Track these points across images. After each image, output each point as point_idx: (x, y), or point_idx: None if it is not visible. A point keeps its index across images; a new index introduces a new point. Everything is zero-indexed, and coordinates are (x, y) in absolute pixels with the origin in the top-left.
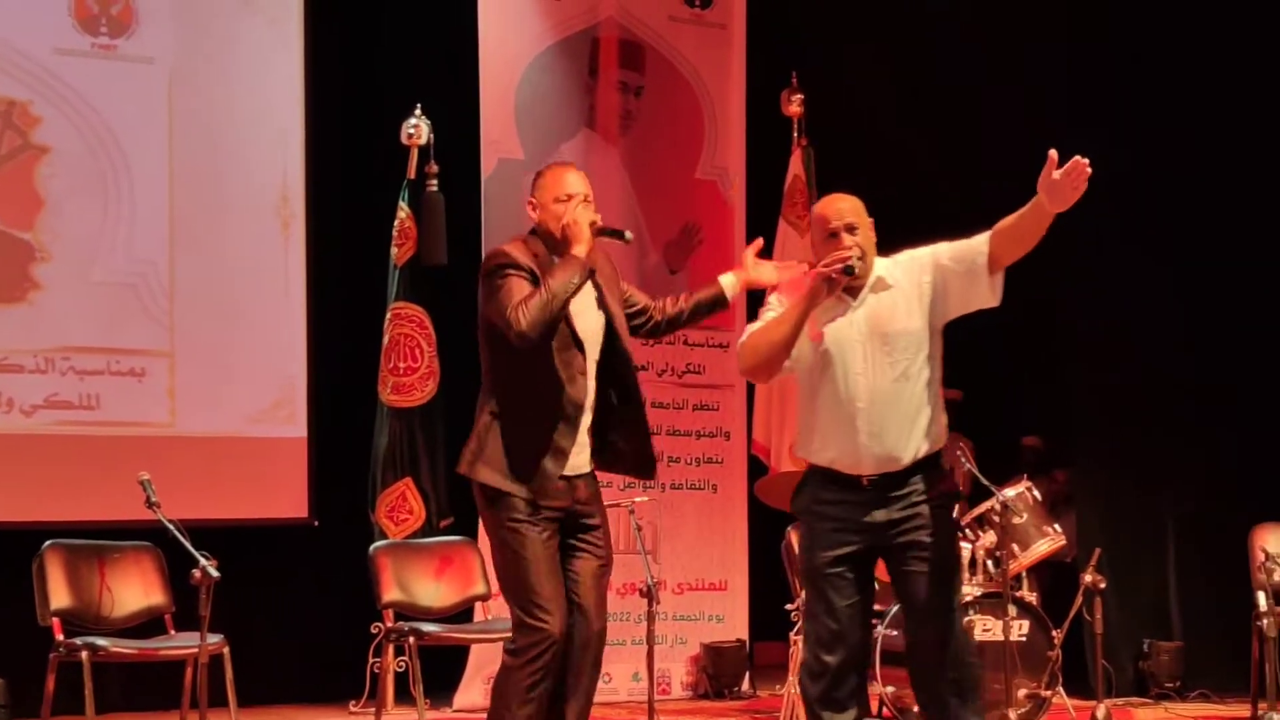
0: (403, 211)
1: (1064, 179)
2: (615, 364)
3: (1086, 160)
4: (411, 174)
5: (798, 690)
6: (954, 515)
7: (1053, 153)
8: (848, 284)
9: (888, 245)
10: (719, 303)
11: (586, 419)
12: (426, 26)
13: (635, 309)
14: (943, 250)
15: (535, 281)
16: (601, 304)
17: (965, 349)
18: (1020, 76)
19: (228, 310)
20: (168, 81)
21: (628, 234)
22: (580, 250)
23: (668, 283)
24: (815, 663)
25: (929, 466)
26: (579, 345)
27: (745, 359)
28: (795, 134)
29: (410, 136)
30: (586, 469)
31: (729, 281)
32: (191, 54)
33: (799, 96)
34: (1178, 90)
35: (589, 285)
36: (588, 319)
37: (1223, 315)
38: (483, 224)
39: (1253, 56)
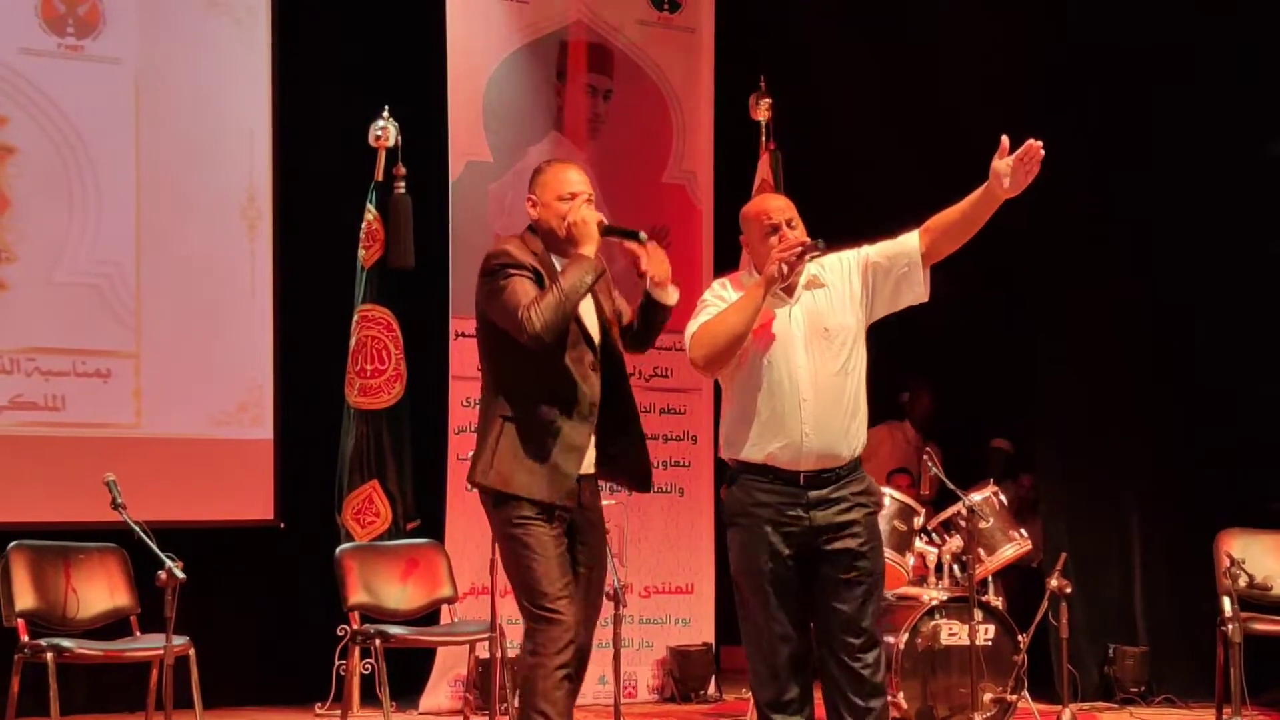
0: (370, 214)
1: (1017, 161)
2: (611, 368)
3: (1040, 143)
4: (379, 176)
5: None
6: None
7: (1005, 138)
8: (783, 284)
9: (852, 244)
10: (651, 305)
11: (595, 417)
12: (394, 28)
13: (621, 319)
14: (870, 251)
15: (539, 280)
16: (598, 307)
17: (934, 351)
18: (991, 78)
19: (194, 312)
20: (134, 82)
21: (642, 235)
22: (589, 250)
23: (636, 287)
24: (765, 668)
25: (858, 468)
26: (589, 342)
27: (699, 349)
28: (763, 138)
29: (378, 138)
30: (592, 470)
31: (654, 289)
32: (158, 55)
33: (767, 100)
34: (1151, 91)
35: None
36: (591, 318)
37: (1190, 321)
38: (450, 227)
39: (1224, 49)
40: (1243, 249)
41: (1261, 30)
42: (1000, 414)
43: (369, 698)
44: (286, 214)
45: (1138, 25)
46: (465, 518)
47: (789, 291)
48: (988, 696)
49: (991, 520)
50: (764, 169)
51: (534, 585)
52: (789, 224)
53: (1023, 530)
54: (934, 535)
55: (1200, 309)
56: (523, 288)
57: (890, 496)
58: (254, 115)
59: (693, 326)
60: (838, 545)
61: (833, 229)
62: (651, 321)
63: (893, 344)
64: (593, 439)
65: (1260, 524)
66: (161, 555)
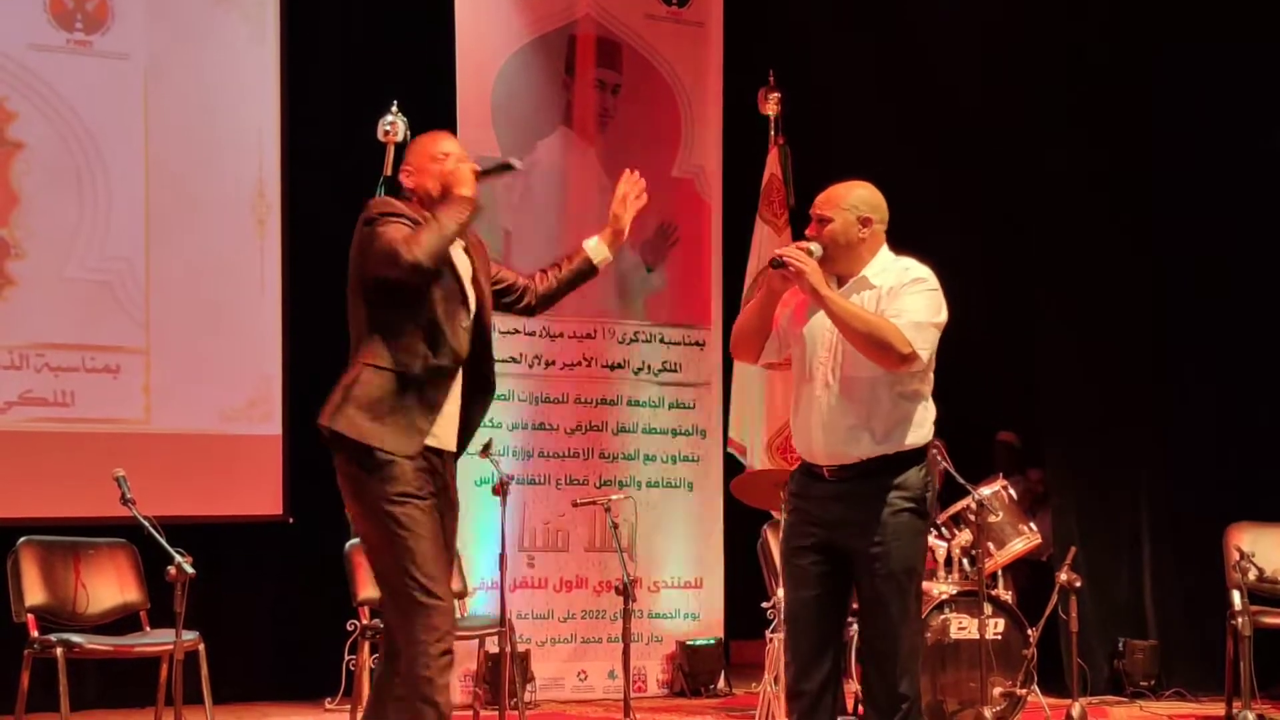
0: None
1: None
2: (480, 337)
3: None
4: (388, 171)
5: (774, 689)
6: (920, 526)
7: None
8: (837, 274)
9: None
10: (586, 271)
11: (458, 382)
12: (403, 23)
13: (504, 285)
14: (901, 301)
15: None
16: (474, 279)
17: (943, 346)
18: (1000, 74)
19: (203, 307)
20: (143, 78)
21: (515, 162)
22: (466, 191)
23: (645, 280)
24: (787, 651)
25: (895, 469)
26: (465, 301)
27: (732, 337)
28: (772, 132)
29: (387, 133)
30: (451, 446)
31: (592, 245)
32: (167, 50)
33: (776, 95)
34: (1157, 90)
35: (466, 258)
36: (468, 283)
37: (1200, 314)
38: None
39: (1228, 55)
40: (1251, 238)
41: (1263, 26)
42: (1007, 408)
43: None
44: (295, 209)
45: (1140, 19)
46: (475, 513)
47: (838, 286)
48: (997, 690)
49: (1001, 514)
50: (773, 163)
51: (412, 567)
52: (820, 220)
53: (1032, 524)
54: (943, 529)
55: (1209, 301)
56: (400, 230)
57: None
58: (263, 111)
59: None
60: (862, 544)
61: None
62: (574, 286)
63: None
64: (452, 407)
65: (1270, 517)
66: (171, 550)
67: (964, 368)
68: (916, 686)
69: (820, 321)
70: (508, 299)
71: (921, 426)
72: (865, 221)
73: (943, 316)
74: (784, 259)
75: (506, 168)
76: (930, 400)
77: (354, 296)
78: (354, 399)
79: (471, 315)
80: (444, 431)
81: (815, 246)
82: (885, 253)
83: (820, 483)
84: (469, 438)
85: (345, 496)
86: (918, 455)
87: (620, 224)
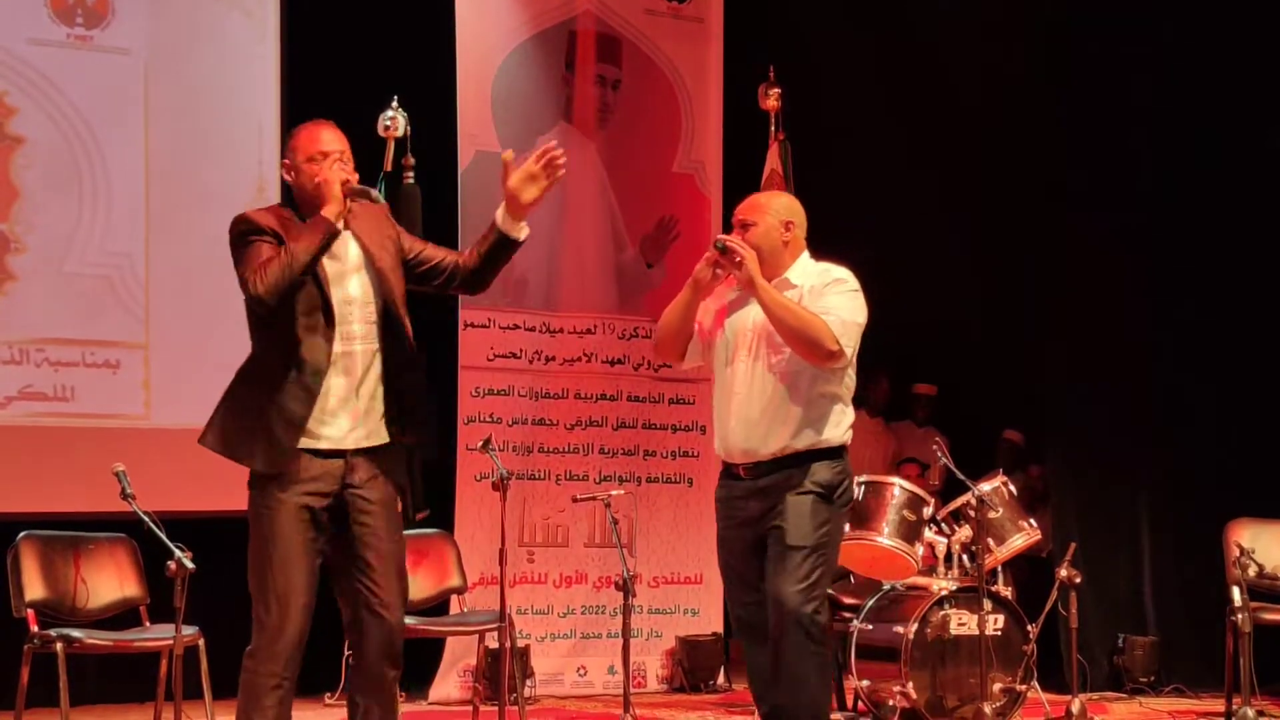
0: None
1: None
2: (391, 330)
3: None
4: (388, 166)
5: None
6: (824, 512)
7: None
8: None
9: (863, 238)
10: (500, 242)
11: (333, 387)
12: (403, 18)
13: (428, 266)
14: (827, 298)
15: (281, 244)
16: (370, 266)
17: (943, 344)
18: (1001, 72)
19: (203, 302)
20: (143, 73)
21: (374, 193)
22: (330, 210)
23: (645, 276)
24: (747, 652)
25: (808, 464)
26: (326, 309)
27: (655, 336)
28: (773, 128)
29: (387, 128)
30: (365, 444)
31: (500, 216)
32: (168, 45)
33: (776, 90)
34: (1161, 89)
35: (353, 247)
36: (348, 284)
37: (1198, 311)
38: (459, 216)
39: (1233, 58)
40: (1253, 240)
41: (1266, 20)
42: (1008, 406)
43: None
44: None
45: (1142, 14)
46: (474, 508)
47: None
48: (997, 686)
49: (1001, 510)
50: (773, 159)
51: (258, 580)
52: (742, 225)
53: (1032, 520)
54: (943, 525)
55: (1210, 297)
56: (255, 252)
57: (899, 486)
58: (263, 106)
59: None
60: (770, 525)
61: (842, 219)
62: (496, 260)
63: (900, 339)
64: (341, 412)
65: (1270, 514)
66: (171, 545)
67: (964, 365)
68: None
69: (741, 321)
70: (436, 280)
71: (838, 426)
72: (787, 226)
73: (864, 317)
74: (727, 244)
75: (366, 195)
76: (849, 404)
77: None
78: (222, 412)
79: (372, 304)
80: (336, 433)
81: (712, 257)
82: (806, 257)
83: (738, 482)
84: (413, 421)
85: None
86: (833, 453)
87: (518, 199)
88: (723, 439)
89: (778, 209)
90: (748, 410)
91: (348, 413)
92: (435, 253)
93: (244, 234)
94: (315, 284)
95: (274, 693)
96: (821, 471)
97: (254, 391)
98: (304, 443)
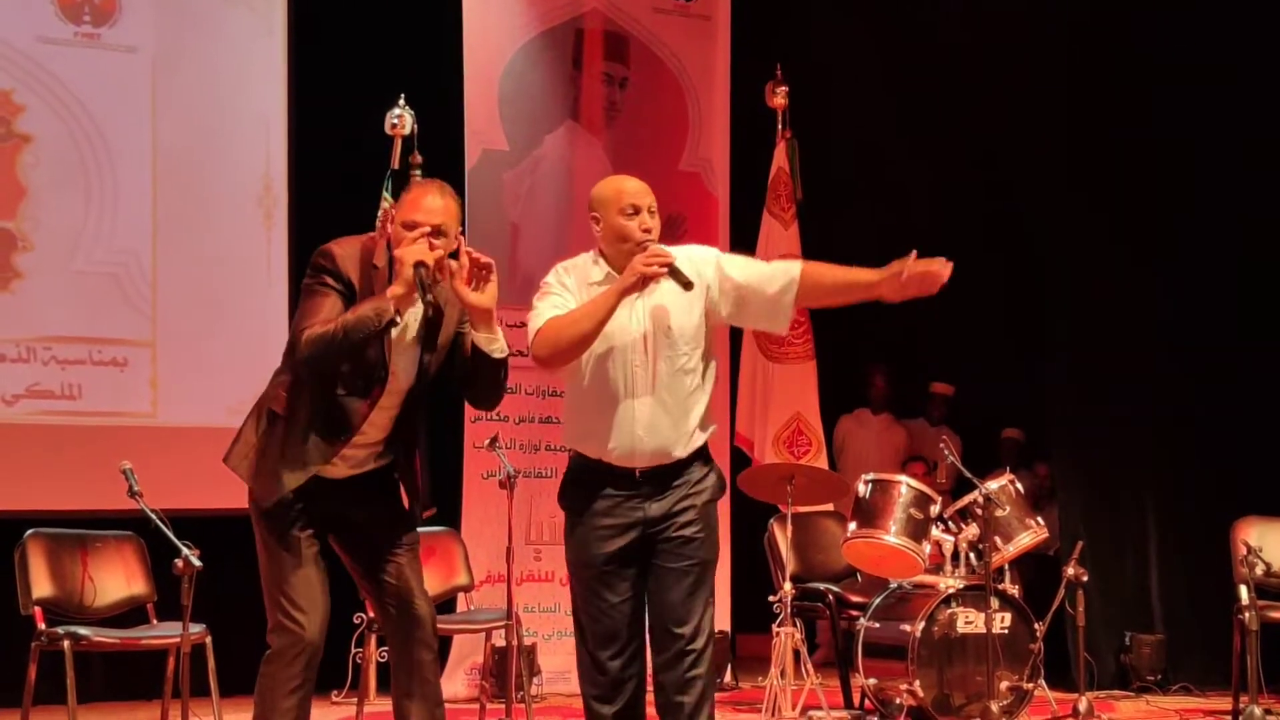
0: (386, 202)
1: (917, 274)
2: (410, 406)
3: (950, 267)
4: (395, 164)
5: (780, 682)
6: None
7: (914, 251)
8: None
9: (867, 235)
10: (478, 358)
11: (361, 448)
12: (410, 16)
13: (459, 356)
14: (729, 261)
15: (348, 300)
16: (425, 344)
17: (951, 343)
18: (1007, 73)
19: (210, 300)
20: (150, 70)
21: (430, 297)
22: (395, 291)
23: None
24: (593, 663)
25: (702, 455)
26: (379, 376)
27: (543, 348)
28: (779, 126)
29: (394, 127)
30: (368, 467)
31: (475, 336)
32: (174, 43)
33: (783, 89)
34: (1165, 92)
35: (420, 321)
36: (403, 356)
37: (1205, 309)
38: (466, 215)
39: (1237, 58)
40: (1261, 234)
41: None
42: (1015, 405)
43: (385, 686)
44: (302, 203)
45: (1146, 13)
46: (481, 507)
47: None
48: (1004, 685)
49: (1008, 508)
50: (780, 157)
51: (273, 585)
52: (650, 211)
53: (1039, 518)
54: (950, 523)
55: (1216, 295)
56: (316, 306)
57: (906, 484)
58: (270, 104)
59: (538, 320)
60: (674, 533)
61: (847, 215)
62: (481, 378)
63: (902, 336)
64: (364, 459)
65: (1277, 512)
66: (178, 543)
67: (973, 365)
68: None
69: (626, 324)
70: (459, 372)
71: (712, 425)
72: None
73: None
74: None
75: (425, 294)
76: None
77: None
78: (256, 442)
79: (413, 377)
80: (339, 471)
81: (673, 258)
82: None
83: (630, 483)
84: (409, 441)
85: None
86: (706, 450)
87: (469, 302)
88: (622, 448)
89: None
90: (655, 415)
91: (355, 459)
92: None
93: (319, 271)
94: (379, 348)
95: (293, 695)
96: (714, 472)
97: (281, 431)
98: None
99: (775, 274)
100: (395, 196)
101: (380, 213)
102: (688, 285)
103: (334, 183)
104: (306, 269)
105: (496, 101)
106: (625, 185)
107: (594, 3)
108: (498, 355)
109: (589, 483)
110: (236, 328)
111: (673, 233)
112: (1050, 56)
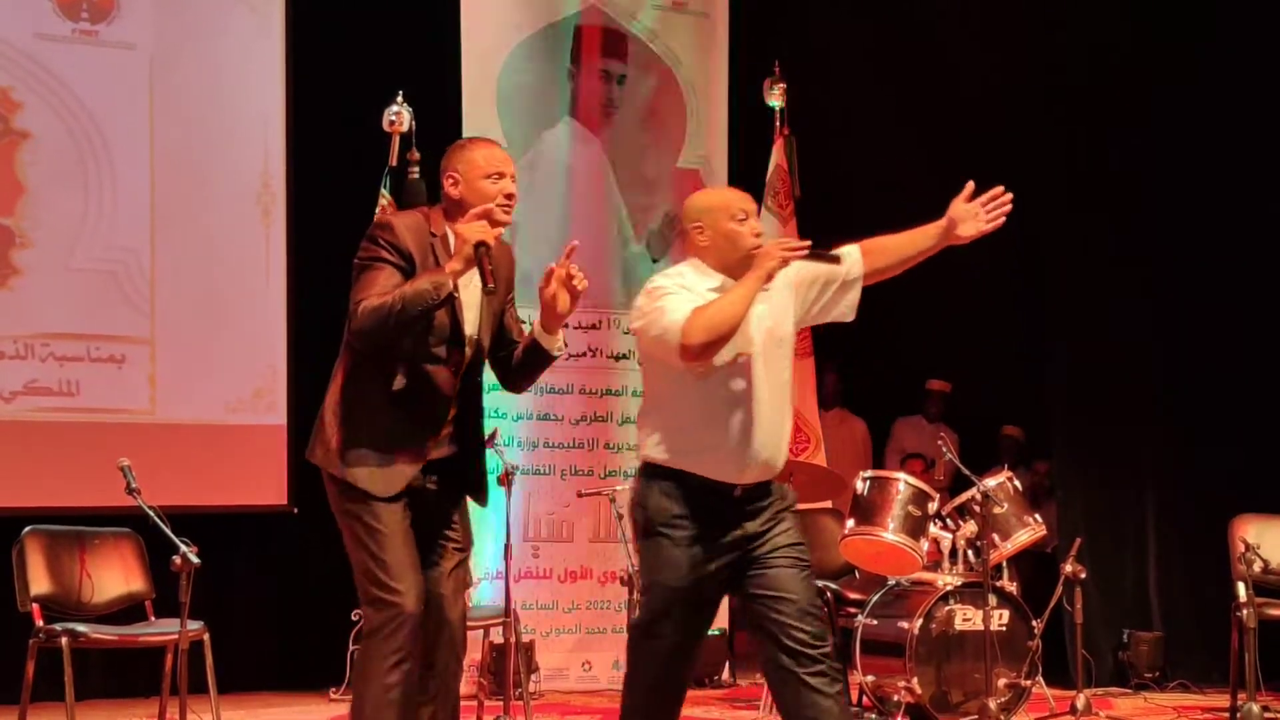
0: (384, 199)
1: (979, 206)
2: (470, 378)
3: (1009, 196)
4: (393, 161)
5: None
6: None
7: (970, 183)
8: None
9: (866, 234)
10: (533, 350)
11: (440, 415)
12: (408, 13)
13: (504, 334)
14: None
15: (406, 272)
16: (485, 306)
17: (950, 341)
18: (1006, 69)
19: (208, 297)
20: (149, 68)
21: (491, 284)
22: (455, 265)
23: (650, 272)
24: (655, 681)
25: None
26: (458, 342)
27: (700, 335)
28: (777, 123)
29: (392, 124)
30: (446, 451)
31: (536, 328)
32: (173, 40)
33: (781, 86)
34: (1167, 91)
35: (479, 293)
36: (472, 320)
37: (1203, 307)
38: None
39: (1238, 60)
40: (1254, 235)
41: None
42: (1014, 402)
43: None
44: (301, 199)
45: (1143, 13)
46: None
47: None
48: (1002, 682)
49: (1006, 505)
50: (778, 154)
51: (369, 561)
52: (755, 217)
53: (1037, 515)
54: (948, 520)
55: (1214, 296)
56: (372, 280)
57: (904, 482)
58: (268, 100)
59: (676, 311)
60: (767, 546)
61: (846, 215)
62: (530, 368)
63: (905, 336)
64: (445, 432)
65: (1275, 509)
66: (176, 540)
67: (973, 362)
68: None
69: (748, 332)
70: (500, 351)
71: None
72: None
73: None
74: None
75: (489, 284)
76: None
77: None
78: (338, 432)
79: (477, 339)
80: (437, 451)
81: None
82: None
83: (727, 500)
84: (477, 476)
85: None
86: None
87: (553, 309)
88: (732, 461)
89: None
90: (771, 427)
91: (448, 438)
92: (513, 325)
93: (374, 251)
94: (450, 314)
95: (397, 669)
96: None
97: (374, 416)
98: None
99: (842, 256)
100: (393, 194)
101: (378, 209)
102: (835, 259)
103: (332, 180)
104: (363, 242)
105: (494, 98)
106: (731, 193)
107: (591, 0)
108: (555, 353)
109: (685, 499)
110: (235, 325)
111: (670, 230)
112: (1050, 54)
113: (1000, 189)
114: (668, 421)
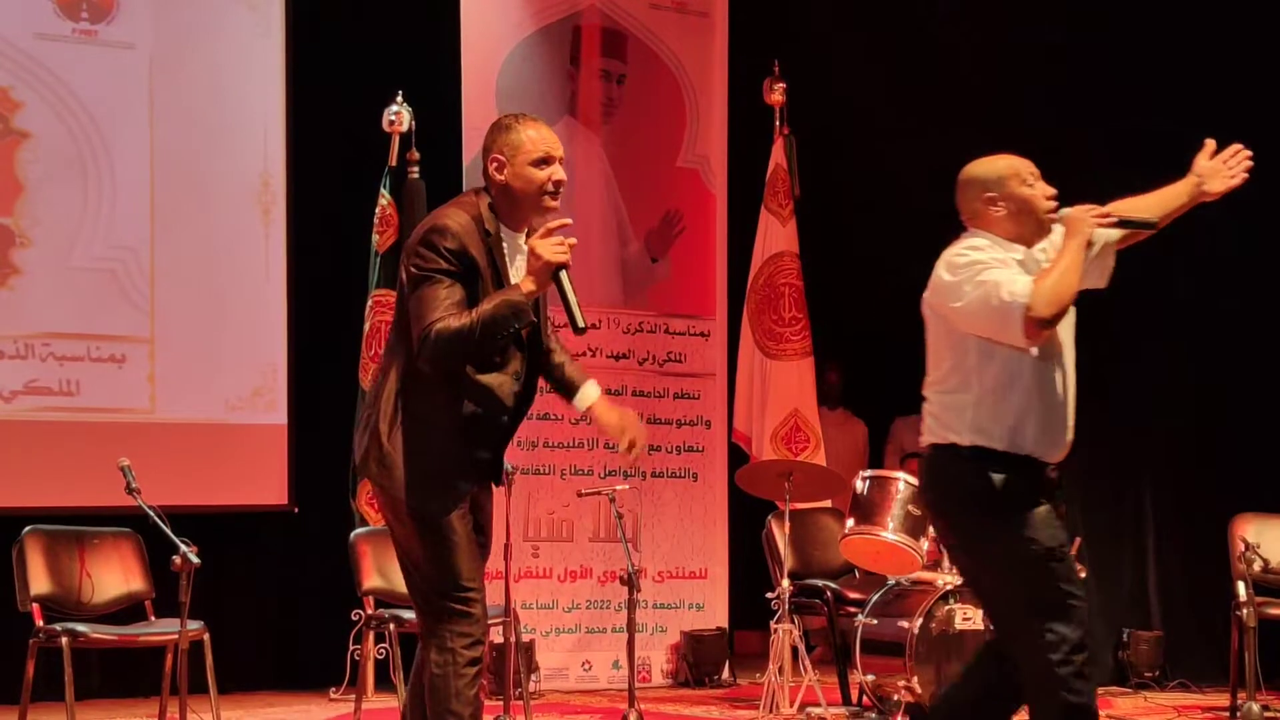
0: (384, 199)
1: (1221, 163)
2: (529, 379)
3: (1248, 152)
4: (393, 161)
5: (778, 679)
6: None
7: (1210, 141)
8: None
9: (867, 233)
10: (564, 391)
11: (505, 426)
12: (408, 13)
13: (544, 350)
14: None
15: (468, 279)
16: (540, 306)
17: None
18: (1007, 67)
19: (208, 296)
20: (148, 67)
21: (583, 325)
22: (530, 285)
23: (649, 270)
24: (1077, 642)
25: None
26: (520, 345)
27: (1052, 306)
28: (777, 123)
29: (392, 123)
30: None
31: (584, 396)
32: (172, 40)
33: (781, 85)
34: (1169, 85)
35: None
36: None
37: (1204, 306)
38: None
39: (1232, 53)
40: (1254, 234)
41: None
42: None
43: (383, 682)
44: (300, 199)
45: (1143, 5)
46: None
47: None
48: None
49: None
50: (778, 154)
51: (445, 572)
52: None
53: None
54: None
55: (1215, 294)
56: (437, 294)
57: (904, 481)
58: (268, 100)
59: (1012, 283)
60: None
61: (846, 212)
62: (557, 388)
63: (906, 336)
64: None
65: (1275, 509)
66: (176, 540)
67: None
68: None
69: None
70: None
71: None
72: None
73: None
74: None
75: (573, 320)
76: None
77: (398, 316)
78: (398, 450)
79: (525, 359)
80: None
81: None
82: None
83: (1045, 479)
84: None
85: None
86: None
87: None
88: (1056, 442)
89: None
90: (1073, 406)
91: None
92: (552, 339)
93: (434, 262)
94: (537, 312)
95: (478, 680)
96: None
97: (440, 441)
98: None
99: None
100: (393, 194)
101: (378, 210)
102: (1150, 225)
103: (332, 180)
104: (418, 248)
105: (494, 98)
106: (1012, 158)
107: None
108: (582, 409)
109: (1018, 475)
110: (235, 324)
111: (670, 230)
112: (1049, 51)
113: (1239, 145)
114: (996, 398)
